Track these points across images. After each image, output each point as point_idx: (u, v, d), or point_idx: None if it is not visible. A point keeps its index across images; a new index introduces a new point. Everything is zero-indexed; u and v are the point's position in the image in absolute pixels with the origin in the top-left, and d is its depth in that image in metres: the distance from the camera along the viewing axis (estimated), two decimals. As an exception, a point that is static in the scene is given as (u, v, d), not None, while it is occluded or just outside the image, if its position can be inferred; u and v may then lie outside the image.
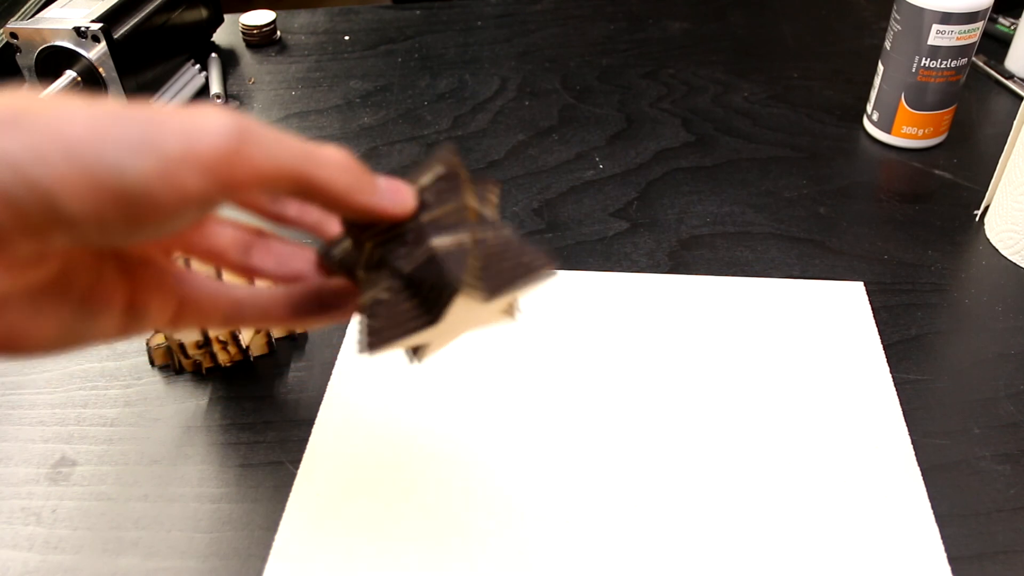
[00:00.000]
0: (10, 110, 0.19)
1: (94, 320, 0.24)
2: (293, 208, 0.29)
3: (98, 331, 0.24)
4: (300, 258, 0.30)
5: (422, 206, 0.27)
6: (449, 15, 0.86)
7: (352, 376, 0.47)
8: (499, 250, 0.27)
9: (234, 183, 0.21)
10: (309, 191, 0.23)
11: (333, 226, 0.30)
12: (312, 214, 0.29)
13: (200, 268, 0.44)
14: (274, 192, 0.23)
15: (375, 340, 0.26)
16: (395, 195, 0.26)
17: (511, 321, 0.30)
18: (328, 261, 0.29)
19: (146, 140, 0.19)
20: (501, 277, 0.26)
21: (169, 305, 0.27)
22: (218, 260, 0.29)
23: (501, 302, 0.28)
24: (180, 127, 0.20)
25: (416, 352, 0.29)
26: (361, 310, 0.27)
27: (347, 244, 0.29)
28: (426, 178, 0.28)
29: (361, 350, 0.26)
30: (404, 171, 0.63)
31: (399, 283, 0.27)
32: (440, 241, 0.26)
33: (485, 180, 0.30)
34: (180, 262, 0.46)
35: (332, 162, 0.24)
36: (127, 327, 0.25)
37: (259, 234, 0.29)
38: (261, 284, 0.30)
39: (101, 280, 0.24)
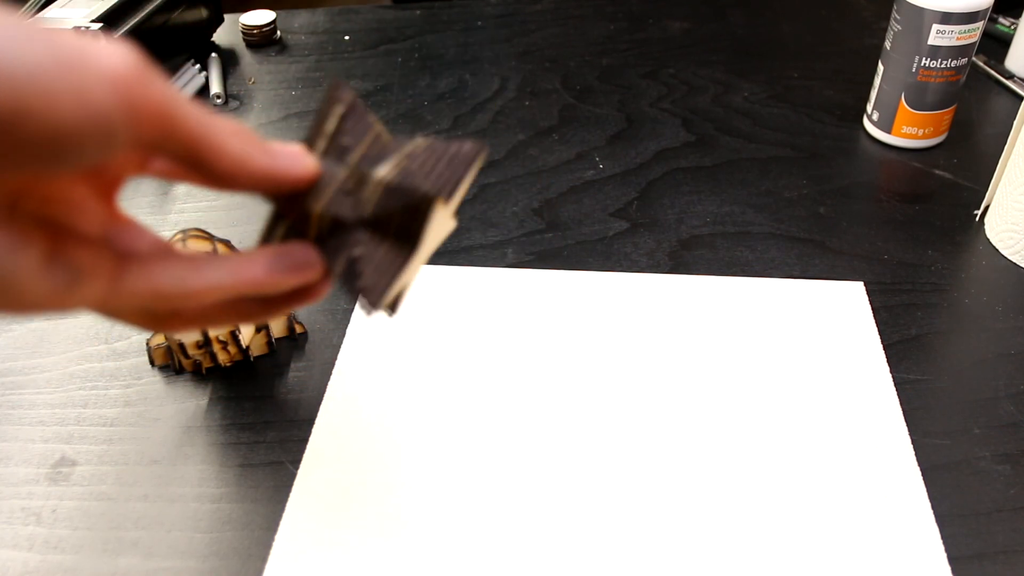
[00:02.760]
0: None
1: (13, 263, 0.21)
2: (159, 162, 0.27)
3: (21, 282, 0.22)
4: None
5: (342, 150, 0.27)
6: (449, 15, 0.86)
7: (352, 376, 0.47)
8: (431, 156, 0.27)
9: (138, 107, 0.20)
10: (203, 154, 0.23)
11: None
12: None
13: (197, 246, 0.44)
14: (165, 146, 0.22)
15: (373, 297, 0.26)
16: (293, 158, 0.25)
17: (453, 227, 0.30)
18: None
19: (50, 46, 0.19)
20: (450, 176, 0.26)
21: (103, 263, 0.24)
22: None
23: (452, 205, 0.28)
24: (81, 41, 0.20)
25: (394, 301, 0.29)
26: (341, 279, 0.27)
27: (282, 227, 0.27)
28: (331, 123, 0.27)
29: (367, 312, 0.26)
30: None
31: (365, 233, 0.26)
32: (383, 171, 0.26)
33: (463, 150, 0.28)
34: (177, 239, 0.46)
35: (227, 127, 0.23)
36: (56, 285, 0.22)
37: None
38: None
39: (13, 218, 0.22)
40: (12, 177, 0.21)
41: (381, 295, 0.26)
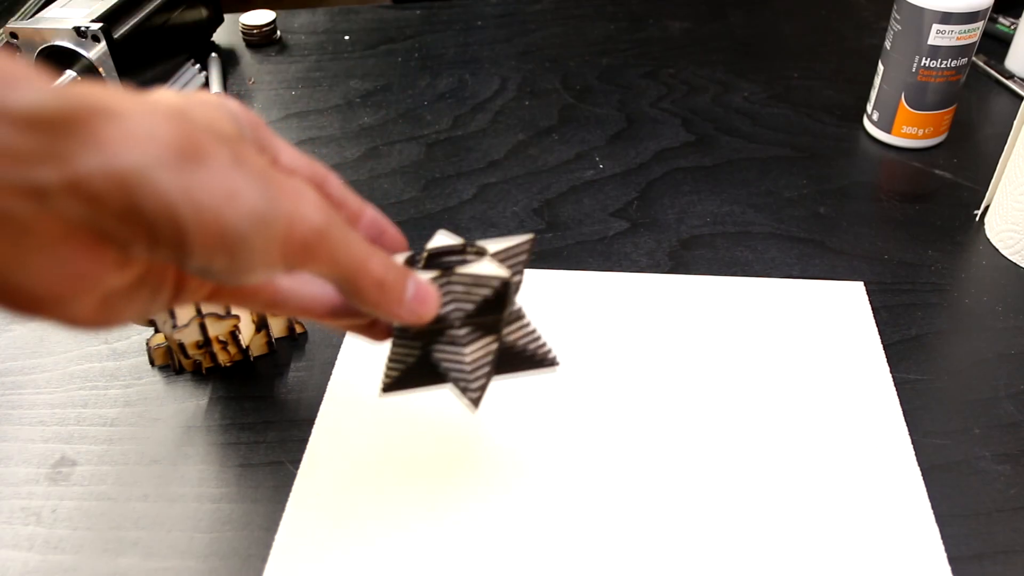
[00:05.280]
0: (192, 147, 0.22)
1: (155, 300, 0.26)
2: (285, 282, 0.31)
3: (155, 308, 0.27)
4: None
5: (468, 300, 0.31)
6: (449, 15, 0.86)
7: (352, 376, 0.47)
8: (516, 345, 0.34)
9: (302, 262, 0.25)
10: (348, 291, 0.28)
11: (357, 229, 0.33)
12: (307, 288, 0.32)
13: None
14: (321, 275, 0.27)
15: (391, 385, 0.34)
16: (418, 307, 0.30)
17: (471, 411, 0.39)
18: None
19: (266, 215, 0.23)
20: (505, 366, 0.34)
21: (206, 286, 0.29)
22: None
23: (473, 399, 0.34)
24: (293, 203, 0.24)
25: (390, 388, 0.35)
26: (391, 356, 0.33)
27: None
28: (483, 274, 0.31)
29: (382, 389, 0.34)
30: (405, 170, 0.63)
31: (426, 356, 0.33)
32: (471, 351, 0.32)
33: (520, 241, 0.33)
34: None
35: (371, 275, 0.28)
36: (171, 301, 0.28)
37: None
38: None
39: (163, 279, 0.27)
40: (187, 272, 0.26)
41: (393, 390, 0.34)
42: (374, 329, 0.34)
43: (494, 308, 0.31)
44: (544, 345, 0.34)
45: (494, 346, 0.32)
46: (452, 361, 0.32)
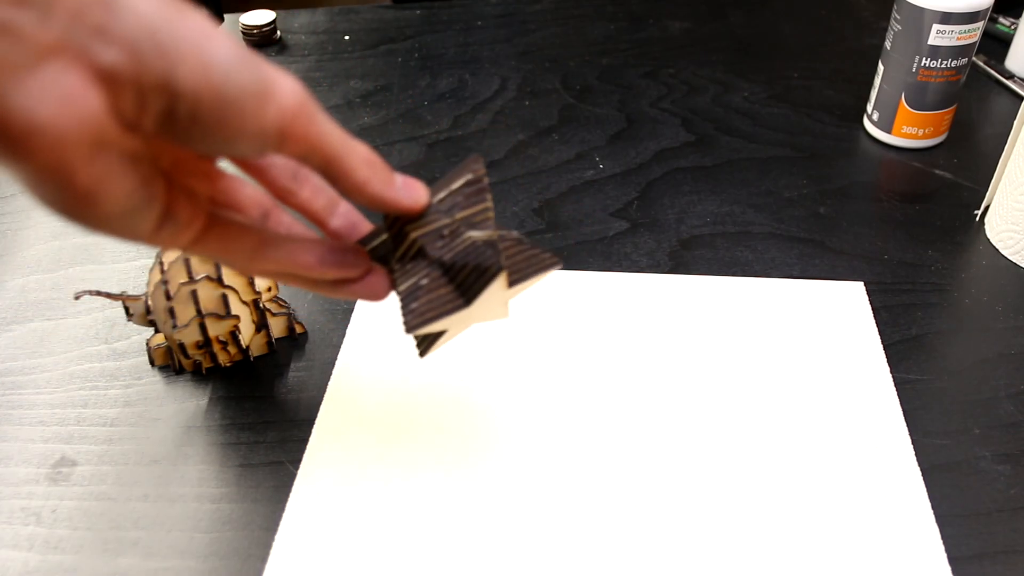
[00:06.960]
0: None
1: (142, 210, 0.26)
2: (306, 191, 0.33)
3: (139, 224, 0.27)
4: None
5: (454, 205, 0.32)
6: (449, 15, 0.86)
7: (352, 376, 0.47)
8: (518, 246, 0.32)
9: (290, 133, 0.26)
10: (334, 172, 0.28)
11: (333, 220, 0.34)
12: (318, 202, 0.33)
13: (200, 267, 0.44)
14: (307, 160, 0.27)
15: (415, 321, 0.31)
16: (410, 191, 0.31)
17: (504, 318, 0.35)
18: (363, 248, 0.33)
19: (253, 68, 0.25)
20: (522, 268, 0.32)
21: (197, 220, 0.29)
22: (263, 176, 0.32)
23: (507, 296, 0.32)
24: (274, 72, 0.26)
25: (427, 343, 0.33)
26: (402, 295, 0.32)
27: (384, 238, 0.33)
28: (456, 183, 0.32)
29: (406, 330, 0.31)
30: (406, 170, 0.63)
31: (437, 272, 0.31)
32: (476, 234, 0.31)
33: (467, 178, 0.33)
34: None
35: (359, 153, 0.29)
36: (158, 230, 0.28)
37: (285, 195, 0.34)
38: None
39: (154, 178, 0.27)
40: (183, 152, 0.29)
41: (420, 322, 0.31)
42: (372, 280, 0.33)
43: (479, 199, 0.32)
44: (539, 250, 0.33)
45: (495, 234, 0.31)
46: (464, 250, 0.31)
